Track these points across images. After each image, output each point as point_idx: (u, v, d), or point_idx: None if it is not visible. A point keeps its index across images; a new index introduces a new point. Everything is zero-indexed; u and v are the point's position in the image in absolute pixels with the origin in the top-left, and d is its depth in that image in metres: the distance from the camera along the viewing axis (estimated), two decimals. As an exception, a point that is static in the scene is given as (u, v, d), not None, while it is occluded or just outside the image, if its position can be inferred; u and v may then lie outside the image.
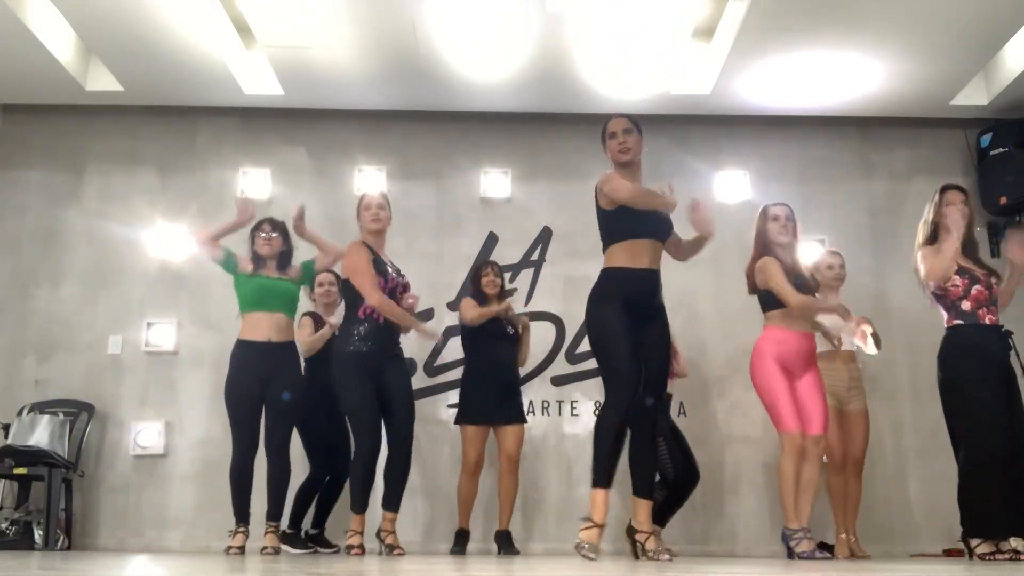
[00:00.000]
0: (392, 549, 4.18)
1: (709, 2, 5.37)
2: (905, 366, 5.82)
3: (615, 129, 3.73)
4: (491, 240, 5.99)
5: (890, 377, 5.82)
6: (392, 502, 4.25)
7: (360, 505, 4.18)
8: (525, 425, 4.96)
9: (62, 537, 5.13)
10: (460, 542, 4.87)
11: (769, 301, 4.19)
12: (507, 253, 5.94)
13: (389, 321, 4.24)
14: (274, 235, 4.67)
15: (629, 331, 3.46)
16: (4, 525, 5.12)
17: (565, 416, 5.72)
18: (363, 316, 4.21)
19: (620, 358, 3.44)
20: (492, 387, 4.84)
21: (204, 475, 5.52)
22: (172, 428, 5.67)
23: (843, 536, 4.67)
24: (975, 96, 5.92)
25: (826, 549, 4.97)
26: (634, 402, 3.42)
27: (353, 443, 4.26)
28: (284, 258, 4.73)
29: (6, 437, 5.27)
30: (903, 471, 5.68)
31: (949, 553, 5.25)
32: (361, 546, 4.15)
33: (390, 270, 4.34)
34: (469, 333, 4.95)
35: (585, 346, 5.47)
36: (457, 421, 4.94)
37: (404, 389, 4.33)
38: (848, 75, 5.57)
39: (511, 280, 5.86)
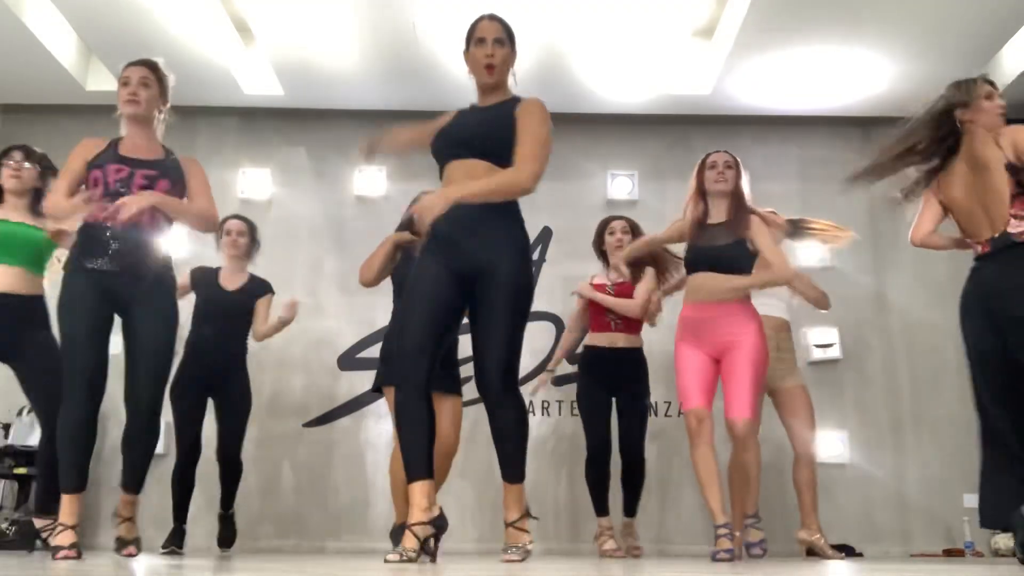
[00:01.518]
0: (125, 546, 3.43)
1: (709, 2, 5.37)
2: (905, 365, 5.83)
3: (484, 35, 2.94)
4: (491, 240, 5.99)
5: (890, 376, 5.82)
6: (129, 481, 3.36)
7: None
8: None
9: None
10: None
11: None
12: (507, 253, 5.93)
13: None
14: (27, 165, 3.91)
15: (430, 288, 2.82)
16: (4, 525, 5.12)
17: (565, 416, 5.71)
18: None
19: (400, 333, 2.83)
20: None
21: (204, 475, 5.49)
22: (172, 429, 5.65)
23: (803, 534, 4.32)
24: (975, 96, 5.91)
25: (842, 549, 4.95)
26: (414, 385, 2.75)
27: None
28: (38, 197, 3.88)
29: (6, 437, 5.27)
30: (902, 471, 5.68)
31: (949, 553, 5.26)
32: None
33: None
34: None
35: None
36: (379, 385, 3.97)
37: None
38: (848, 75, 5.57)
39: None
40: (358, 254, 5.90)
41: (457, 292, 2.81)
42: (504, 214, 2.88)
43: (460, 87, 5.80)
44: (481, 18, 3.00)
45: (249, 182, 6.06)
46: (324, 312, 5.90)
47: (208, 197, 3.46)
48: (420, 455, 2.72)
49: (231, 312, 4.58)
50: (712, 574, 2.47)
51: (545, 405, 5.75)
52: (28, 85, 5.76)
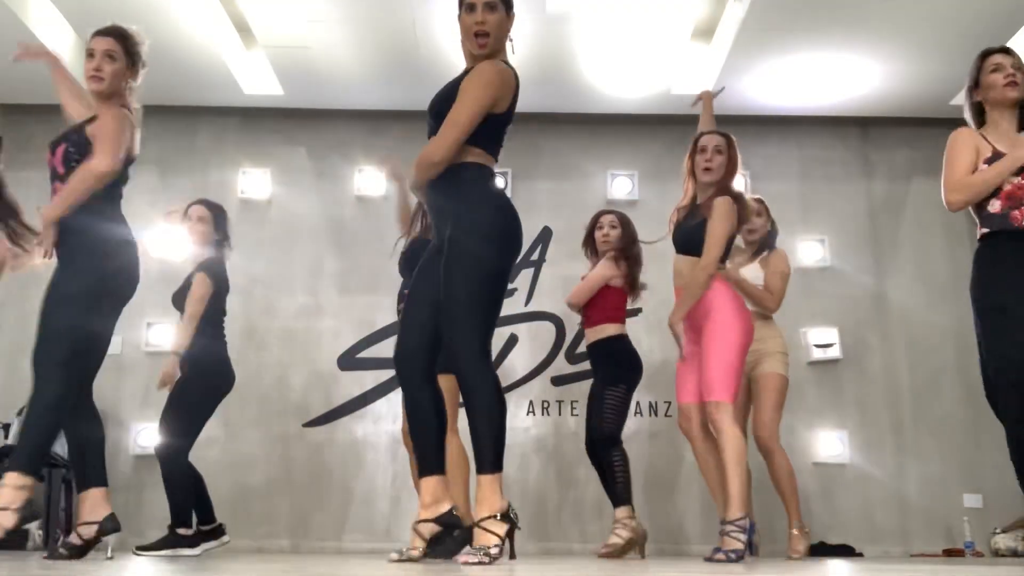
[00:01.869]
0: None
1: (709, 2, 5.37)
2: (905, 366, 5.83)
3: None
4: (491, 240, 5.98)
5: (890, 377, 5.82)
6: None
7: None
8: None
9: (62, 537, 5.13)
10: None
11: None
12: (507, 253, 5.93)
13: None
14: None
15: (425, 290, 2.75)
16: (4, 525, 5.12)
17: (565, 416, 5.71)
18: None
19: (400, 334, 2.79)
20: None
21: (204, 476, 5.51)
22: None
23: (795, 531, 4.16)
24: (975, 96, 5.92)
25: (842, 549, 4.93)
26: (417, 384, 2.71)
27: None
28: None
29: (6, 437, 5.27)
30: (903, 471, 5.68)
31: (949, 553, 5.26)
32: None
33: None
34: None
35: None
36: None
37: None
38: (848, 75, 5.58)
39: (511, 280, 5.87)
40: (358, 254, 5.96)
41: None
42: (460, 185, 2.69)
43: (460, 87, 5.84)
44: None
45: (249, 182, 6.07)
46: (324, 312, 5.90)
47: (99, 148, 3.16)
48: (428, 451, 2.66)
49: (176, 302, 4.31)
50: (711, 574, 2.47)
51: (545, 405, 5.75)
52: (28, 85, 5.75)
